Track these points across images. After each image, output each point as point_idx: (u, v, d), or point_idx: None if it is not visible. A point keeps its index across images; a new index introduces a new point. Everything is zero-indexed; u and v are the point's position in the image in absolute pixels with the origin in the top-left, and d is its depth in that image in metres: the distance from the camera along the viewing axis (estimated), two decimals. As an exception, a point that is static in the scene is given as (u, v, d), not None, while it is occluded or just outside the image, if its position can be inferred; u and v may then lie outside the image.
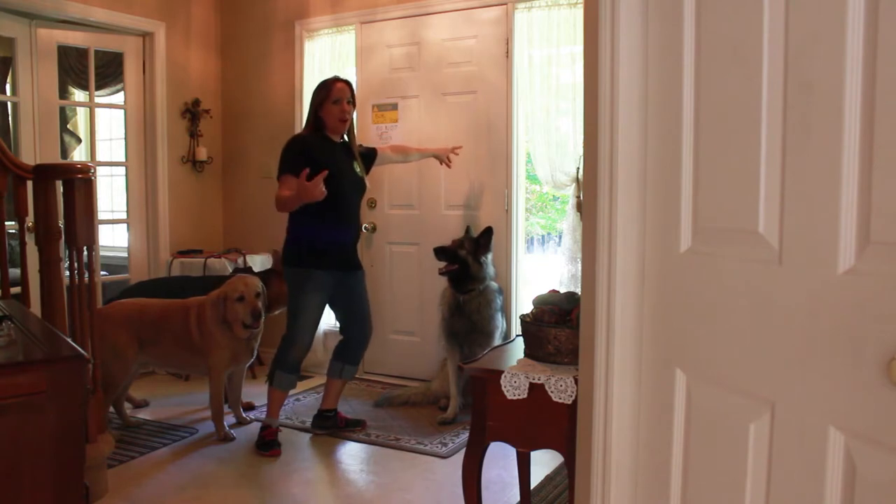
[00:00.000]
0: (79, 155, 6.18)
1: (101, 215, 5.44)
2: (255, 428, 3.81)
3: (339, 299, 3.65)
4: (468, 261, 3.91)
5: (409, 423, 3.95)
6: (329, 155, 3.48)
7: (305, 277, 3.51)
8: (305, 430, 3.83)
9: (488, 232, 4.03)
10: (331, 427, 3.77)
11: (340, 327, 3.82)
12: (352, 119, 3.62)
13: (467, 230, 4.15)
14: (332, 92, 3.50)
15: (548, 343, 2.16)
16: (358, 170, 3.63)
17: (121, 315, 3.70)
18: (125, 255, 5.20)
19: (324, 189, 3.21)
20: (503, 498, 3.02)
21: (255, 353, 3.89)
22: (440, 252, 3.95)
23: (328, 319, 4.18)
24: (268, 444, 3.53)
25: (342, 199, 3.49)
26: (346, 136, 3.65)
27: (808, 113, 1.16)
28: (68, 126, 6.16)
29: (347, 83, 3.57)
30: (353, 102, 3.58)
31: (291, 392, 3.86)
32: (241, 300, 3.61)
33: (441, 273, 3.95)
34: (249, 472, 3.31)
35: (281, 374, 3.58)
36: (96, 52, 4.90)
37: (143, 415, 4.07)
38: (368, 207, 4.75)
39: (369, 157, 3.85)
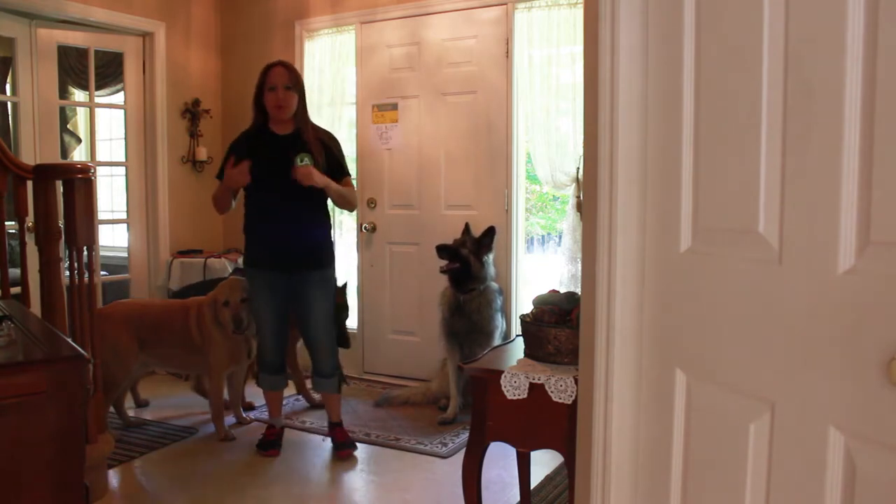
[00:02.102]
0: (79, 155, 6.18)
1: (101, 215, 5.43)
2: (255, 428, 3.81)
3: (293, 303, 3.44)
4: (470, 260, 3.90)
5: (409, 423, 3.95)
6: (262, 149, 3.31)
7: (249, 277, 3.49)
8: (305, 430, 3.83)
9: (491, 232, 4.02)
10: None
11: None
12: (300, 107, 3.33)
13: (466, 227, 4.14)
14: (267, 77, 3.28)
15: (548, 343, 2.16)
16: (302, 162, 3.24)
17: (121, 315, 3.70)
18: (125, 255, 5.20)
19: (247, 175, 3.20)
20: (503, 498, 3.02)
21: (254, 353, 3.88)
22: (442, 250, 3.94)
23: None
24: (268, 443, 3.52)
25: (264, 195, 3.32)
26: (301, 128, 3.35)
27: (808, 113, 1.16)
28: (68, 126, 6.16)
29: (287, 66, 3.34)
30: (293, 88, 3.28)
31: (291, 392, 3.85)
32: (226, 305, 3.61)
33: (442, 271, 3.95)
34: (249, 472, 3.31)
35: (262, 374, 3.59)
36: (96, 52, 4.90)
37: (142, 414, 4.07)
38: (368, 207, 4.76)
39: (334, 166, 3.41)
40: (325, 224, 3.48)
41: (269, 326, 3.47)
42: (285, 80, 3.25)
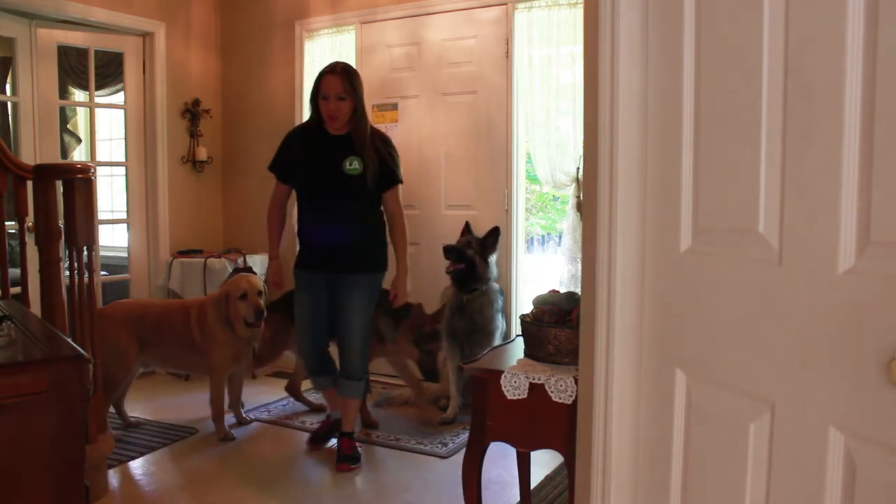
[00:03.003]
0: (79, 155, 6.18)
1: (101, 215, 5.43)
2: (255, 428, 3.81)
3: (333, 303, 3.41)
4: (475, 260, 3.90)
5: (409, 423, 3.95)
6: (311, 149, 3.30)
7: (294, 277, 3.48)
8: (305, 430, 3.83)
9: (495, 232, 4.00)
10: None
11: None
12: (356, 112, 3.25)
13: (466, 226, 4.13)
14: (320, 86, 3.23)
15: (548, 343, 2.16)
16: (351, 165, 3.25)
17: (121, 315, 3.70)
18: (125, 255, 5.20)
19: (277, 283, 3.49)
20: (503, 498, 3.02)
21: (255, 352, 3.88)
22: (449, 251, 3.93)
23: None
24: (317, 437, 3.62)
25: (314, 195, 3.34)
26: (353, 131, 3.29)
27: (807, 113, 1.16)
28: (68, 126, 6.16)
29: (341, 75, 3.21)
30: (347, 98, 3.20)
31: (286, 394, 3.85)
32: (243, 298, 3.62)
33: (448, 272, 3.94)
34: (249, 472, 3.31)
35: (310, 376, 3.62)
36: (96, 52, 4.90)
37: (142, 415, 4.07)
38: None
39: (385, 175, 3.35)
40: (374, 227, 3.40)
41: (304, 328, 3.45)
42: (338, 90, 3.19)
